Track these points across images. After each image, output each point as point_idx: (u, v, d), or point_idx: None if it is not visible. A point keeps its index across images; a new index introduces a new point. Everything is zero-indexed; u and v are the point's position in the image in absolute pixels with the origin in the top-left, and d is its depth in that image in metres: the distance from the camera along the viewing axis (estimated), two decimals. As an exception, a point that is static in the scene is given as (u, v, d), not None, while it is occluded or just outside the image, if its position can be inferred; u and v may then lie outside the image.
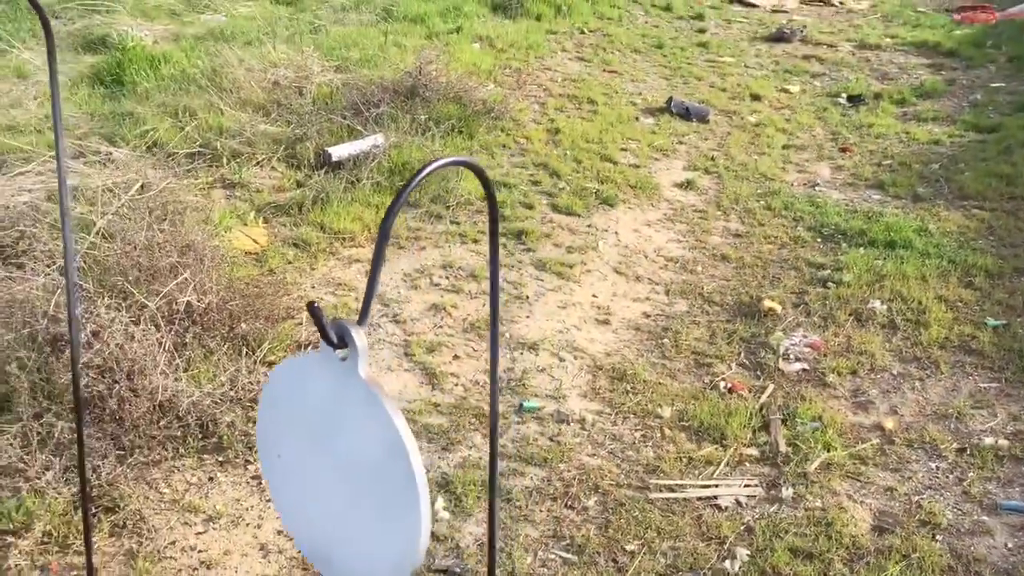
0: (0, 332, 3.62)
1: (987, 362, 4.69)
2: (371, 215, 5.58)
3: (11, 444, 3.31)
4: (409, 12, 10.06)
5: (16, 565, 3.06)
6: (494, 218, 1.71)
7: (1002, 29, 11.53)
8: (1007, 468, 3.95)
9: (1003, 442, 4.10)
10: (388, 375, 4.30)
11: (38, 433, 3.37)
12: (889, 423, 4.28)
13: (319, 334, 1.43)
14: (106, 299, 3.68)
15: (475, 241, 5.58)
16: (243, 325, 4.10)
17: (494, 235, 1.73)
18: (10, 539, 3.11)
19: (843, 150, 7.78)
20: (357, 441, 1.44)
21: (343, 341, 1.43)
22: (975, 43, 10.91)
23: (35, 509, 3.19)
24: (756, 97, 8.95)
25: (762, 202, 6.63)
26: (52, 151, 5.59)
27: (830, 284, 5.46)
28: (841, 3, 13.31)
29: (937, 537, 3.58)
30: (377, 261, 1.46)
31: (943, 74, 9.90)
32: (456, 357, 4.51)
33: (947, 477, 3.93)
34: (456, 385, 4.32)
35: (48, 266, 3.97)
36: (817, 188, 6.98)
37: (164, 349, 3.62)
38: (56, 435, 3.37)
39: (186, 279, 3.88)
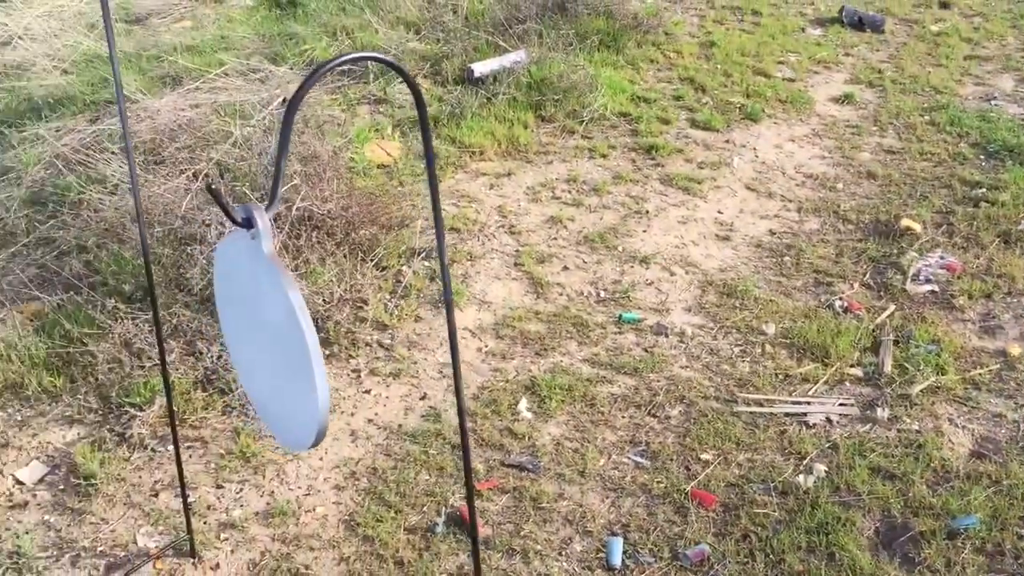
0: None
1: None
2: (503, 130, 5.70)
3: (140, 329, 3.74)
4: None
5: (139, 434, 3.49)
6: (425, 126, 1.79)
7: None
8: None
9: None
10: (494, 283, 4.46)
11: (168, 320, 3.78)
12: (1015, 349, 4.02)
13: (224, 215, 1.58)
14: (232, 202, 4.03)
15: (603, 156, 5.59)
16: (360, 232, 4.36)
17: (428, 150, 1.81)
18: (136, 412, 3.54)
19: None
20: (267, 311, 1.60)
21: (249, 223, 1.58)
22: None
23: (158, 386, 3.61)
24: (944, 5, 8.30)
25: (926, 117, 6.22)
26: (220, 69, 6.05)
27: (982, 204, 5.10)
28: None
29: (1038, 468, 3.38)
30: (282, 146, 1.59)
31: None
32: (565, 268, 4.60)
33: (1068, 408, 3.68)
34: (560, 295, 4.42)
35: (183, 172, 4.38)
36: (993, 102, 6.46)
37: (278, 248, 3.93)
38: (180, 323, 3.78)
39: (297, 186, 4.17)
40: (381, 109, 6.00)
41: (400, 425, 3.64)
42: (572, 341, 4.13)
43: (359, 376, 3.87)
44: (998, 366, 3.94)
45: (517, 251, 4.70)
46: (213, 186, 1.58)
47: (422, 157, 5.45)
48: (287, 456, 3.48)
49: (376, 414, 3.70)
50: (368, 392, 3.80)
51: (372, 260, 4.33)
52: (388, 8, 7.15)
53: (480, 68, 6.24)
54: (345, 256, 4.26)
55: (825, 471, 3.43)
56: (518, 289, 4.45)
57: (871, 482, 3.36)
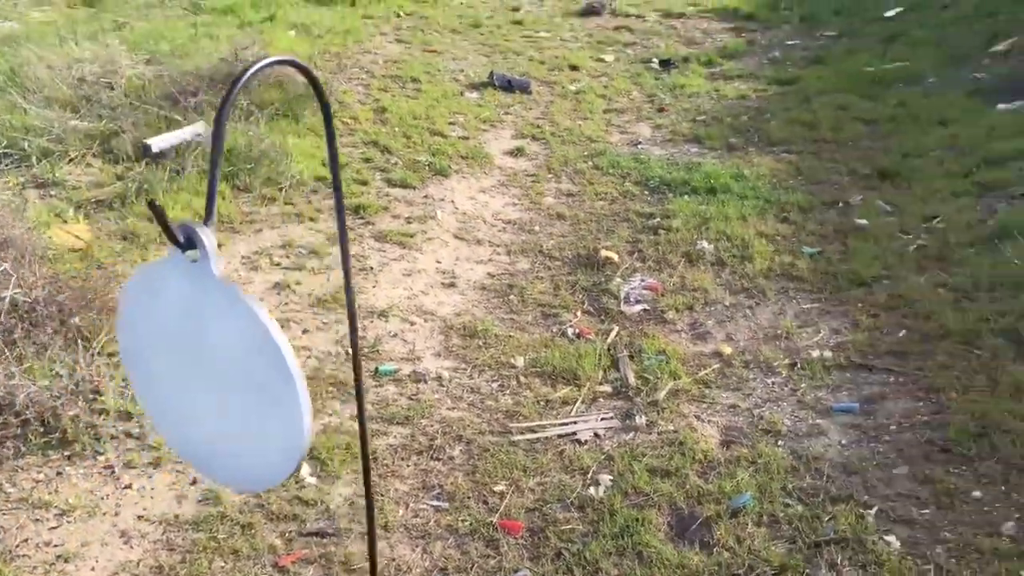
0: None
1: (807, 286, 5.03)
2: (200, 202, 5.41)
3: None
4: (217, 4, 9.80)
5: None
6: (328, 119, 1.73)
7: (792, -8, 12.31)
8: (834, 376, 4.27)
9: (828, 354, 4.42)
10: (237, 354, 4.21)
11: None
12: (726, 349, 4.53)
13: (164, 234, 1.41)
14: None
15: (312, 219, 5.52)
16: (75, 318, 3.92)
17: (331, 141, 1.75)
18: None
19: (660, 110, 8.12)
20: (222, 341, 1.44)
21: (191, 243, 1.43)
22: (770, 6, 11.61)
23: None
24: (574, 67, 9.22)
25: (590, 163, 6.85)
26: None
27: (660, 231, 5.71)
28: (644, -23, 13.83)
29: (779, 443, 3.83)
30: (215, 159, 1.46)
31: (744, 36, 10.48)
32: (306, 331, 4.46)
33: (782, 390, 4.21)
34: (309, 358, 4.27)
35: None
36: (639, 146, 7.27)
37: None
38: None
39: (7, 273, 3.68)
40: (53, 192, 5.44)
41: (177, 515, 3.30)
42: (335, 400, 4.00)
43: (114, 472, 3.45)
44: (718, 365, 4.41)
45: (251, 320, 4.47)
46: (156, 203, 1.39)
47: (118, 237, 5.02)
48: (48, 570, 3.00)
49: (145, 509, 3.32)
50: (129, 487, 3.40)
51: (97, 347, 3.89)
52: (33, 88, 6.53)
53: (158, 143, 5.90)
54: (65, 346, 3.80)
55: (611, 480, 3.62)
56: (263, 358, 4.23)
57: (652, 482, 3.60)
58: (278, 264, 5.02)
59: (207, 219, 1.47)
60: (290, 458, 1.45)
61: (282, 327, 4.13)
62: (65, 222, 5.07)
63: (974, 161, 6.26)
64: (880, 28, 10.07)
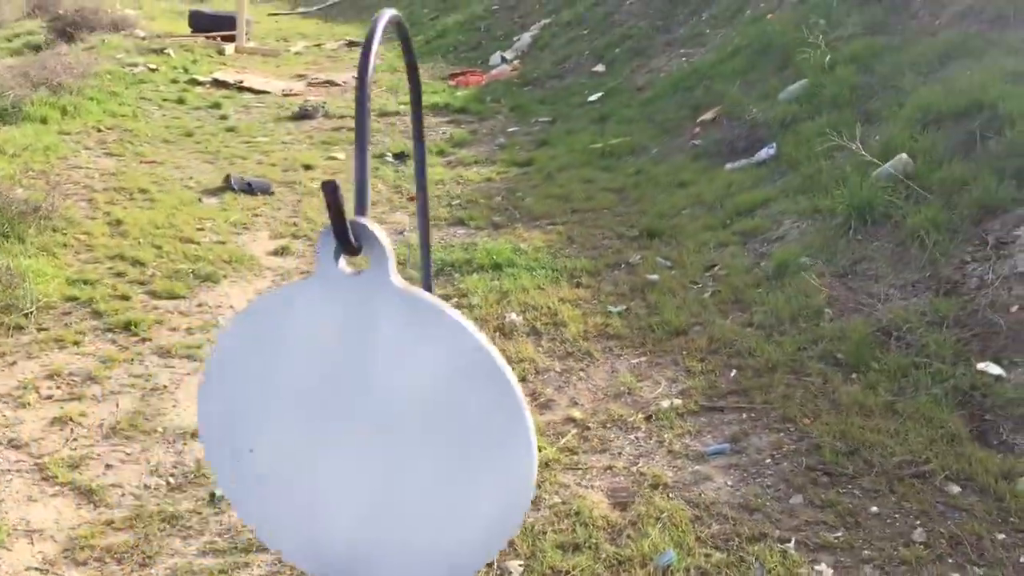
0: None
1: (628, 342, 5.02)
2: (-72, 339, 4.46)
3: None
4: None
5: None
6: (416, 82, 1.37)
7: (493, 87, 12.87)
8: (691, 422, 4.22)
9: (676, 402, 4.38)
10: (32, 506, 3.40)
11: None
12: (576, 413, 4.36)
13: (333, 226, 0.99)
14: None
15: (76, 343, 4.72)
16: None
17: (417, 109, 1.39)
18: None
19: (411, 199, 7.98)
20: (406, 377, 1.02)
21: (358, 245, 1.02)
22: (477, 100, 12.03)
23: None
24: (308, 167, 8.90)
25: (361, 254, 6.52)
26: None
27: (462, 309, 5.49)
28: (344, 82, 13.87)
29: (671, 495, 3.69)
30: (362, 140, 1.06)
31: (464, 127, 10.72)
32: (109, 466, 3.73)
33: (649, 443, 4.09)
34: (122, 495, 3.55)
35: None
36: (404, 234, 7.06)
37: None
38: None
39: None
40: None
41: None
42: (174, 538, 3.34)
43: None
44: (576, 431, 4.23)
45: (36, 465, 3.67)
46: (336, 184, 0.96)
47: None
48: None
49: None
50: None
51: None
52: None
53: None
54: None
55: (521, 565, 3.28)
56: (67, 504, 3.46)
57: (566, 558, 3.30)
58: (50, 397, 4.20)
59: (359, 212, 1.06)
60: (504, 525, 1.05)
61: (77, 467, 3.44)
62: None
63: (725, 214, 6.68)
64: (588, 111, 10.70)
